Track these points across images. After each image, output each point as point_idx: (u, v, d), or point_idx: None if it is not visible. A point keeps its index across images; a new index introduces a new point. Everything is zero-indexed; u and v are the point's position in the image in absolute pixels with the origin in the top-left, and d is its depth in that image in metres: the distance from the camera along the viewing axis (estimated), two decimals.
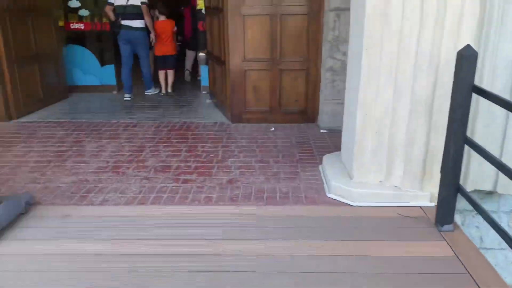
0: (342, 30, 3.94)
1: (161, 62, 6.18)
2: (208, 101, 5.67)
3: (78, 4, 6.01)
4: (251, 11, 4.22)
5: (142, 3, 5.47)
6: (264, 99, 4.51)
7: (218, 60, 4.85)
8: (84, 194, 2.81)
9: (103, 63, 6.25)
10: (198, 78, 6.74)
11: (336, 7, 3.90)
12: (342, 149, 3.08)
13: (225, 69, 4.57)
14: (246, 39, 4.31)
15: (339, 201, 2.71)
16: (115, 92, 6.28)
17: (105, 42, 6.24)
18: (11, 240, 2.25)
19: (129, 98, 5.75)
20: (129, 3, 5.43)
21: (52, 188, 2.91)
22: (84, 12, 6.08)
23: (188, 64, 7.35)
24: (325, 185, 2.94)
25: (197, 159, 3.50)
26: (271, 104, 4.51)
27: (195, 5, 6.86)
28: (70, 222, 2.46)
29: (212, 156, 3.54)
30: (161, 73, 6.20)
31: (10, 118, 4.69)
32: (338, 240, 2.25)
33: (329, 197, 2.77)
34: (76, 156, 3.58)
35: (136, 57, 5.83)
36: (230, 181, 3.03)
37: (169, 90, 6.24)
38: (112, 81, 6.28)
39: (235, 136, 4.15)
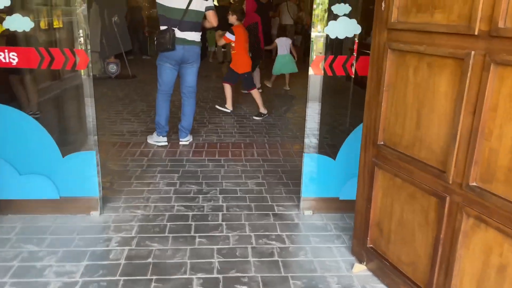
0: None
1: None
2: (360, 268, 2.17)
3: (5, 3, 2.29)
4: None
5: (208, 8, 3.82)
6: None
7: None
8: None
9: (67, 149, 2.58)
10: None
11: None
12: None
13: None
14: None
15: None
16: (94, 212, 2.62)
17: (72, 96, 2.59)
18: None
19: (166, 143, 4.04)
20: (190, 8, 3.66)
21: None
22: (17, 23, 2.35)
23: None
24: None
25: None
26: None
27: None
28: None
29: None
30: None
31: None
32: None
33: None
34: None
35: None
36: None
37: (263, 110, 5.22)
38: (91, 191, 2.60)
39: None
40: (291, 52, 6.60)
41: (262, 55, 6.51)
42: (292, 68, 6.60)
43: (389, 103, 1.87)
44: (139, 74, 7.85)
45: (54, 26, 2.62)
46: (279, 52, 6.52)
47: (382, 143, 1.94)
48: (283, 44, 6.50)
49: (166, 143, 4.02)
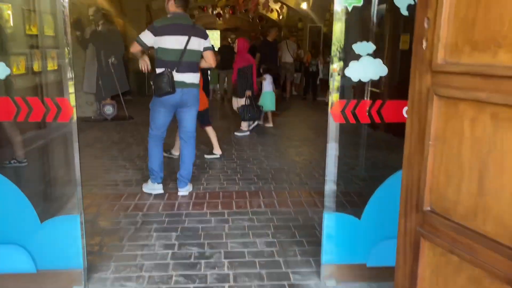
0: None
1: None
2: None
3: None
4: None
5: (206, 48, 3.52)
6: None
7: None
8: None
9: (46, 213, 2.20)
10: None
11: None
12: None
13: None
14: None
15: None
16: None
17: (52, 148, 2.24)
18: None
19: (161, 191, 3.66)
20: (188, 48, 3.37)
21: None
22: None
23: None
24: None
25: None
26: None
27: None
28: None
29: None
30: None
31: None
32: None
33: None
34: None
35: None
36: None
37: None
38: (74, 262, 2.20)
39: None
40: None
41: (258, 97, 6.53)
42: (272, 106, 6.79)
43: (437, 160, 1.52)
44: (136, 115, 7.56)
45: (37, 71, 2.33)
46: (265, 89, 6.68)
47: (429, 208, 1.57)
48: (268, 81, 6.71)
49: (162, 191, 3.65)
